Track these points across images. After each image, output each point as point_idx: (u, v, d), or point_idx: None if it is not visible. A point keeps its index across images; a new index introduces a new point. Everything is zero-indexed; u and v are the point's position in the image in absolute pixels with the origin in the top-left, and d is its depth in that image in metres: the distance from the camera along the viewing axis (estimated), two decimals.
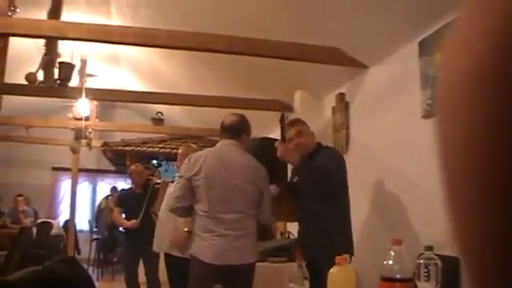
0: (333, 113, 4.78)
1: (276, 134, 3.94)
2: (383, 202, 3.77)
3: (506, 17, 0.30)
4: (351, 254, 3.09)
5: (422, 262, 1.76)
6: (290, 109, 5.53)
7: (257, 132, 6.76)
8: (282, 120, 3.50)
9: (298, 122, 3.60)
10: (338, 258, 2.03)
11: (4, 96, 4.68)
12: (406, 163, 3.46)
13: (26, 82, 5.34)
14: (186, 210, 3.19)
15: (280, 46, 3.88)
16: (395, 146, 3.63)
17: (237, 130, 3.27)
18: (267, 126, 5.81)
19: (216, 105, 6.06)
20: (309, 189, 3.35)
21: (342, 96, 4.64)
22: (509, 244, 0.31)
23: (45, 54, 5.26)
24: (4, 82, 4.72)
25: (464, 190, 0.33)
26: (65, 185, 10.93)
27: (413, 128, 3.37)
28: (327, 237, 3.22)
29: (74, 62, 5.89)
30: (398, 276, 1.76)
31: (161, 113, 9.37)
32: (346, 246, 3.03)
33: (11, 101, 5.87)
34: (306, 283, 2.13)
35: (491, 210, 0.31)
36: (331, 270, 2.03)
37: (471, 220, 0.33)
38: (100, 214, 9.84)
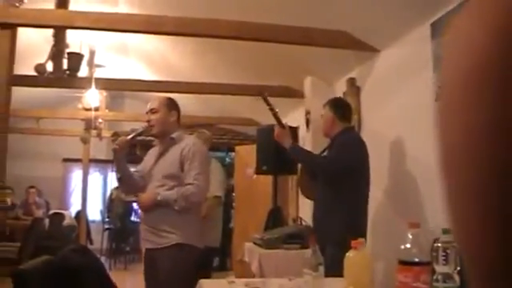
0: (344, 98, 4.73)
1: (287, 120, 3.90)
2: (397, 186, 3.74)
3: (509, 13, 0.30)
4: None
5: (439, 245, 1.72)
6: (299, 95, 5.48)
7: (266, 119, 6.73)
8: (267, 104, 3.51)
9: (325, 105, 3.60)
10: (353, 242, 2.01)
11: (13, 88, 4.67)
12: (420, 146, 3.42)
13: (35, 73, 5.35)
14: None
15: (288, 31, 3.83)
16: (408, 129, 3.59)
17: None
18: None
19: (225, 92, 6.03)
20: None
21: (352, 81, 4.59)
22: (510, 244, 0.30)
23: (53, 45, 5.26)
24: (13, 73, 4.72)
25: (466, 191, 0.33)
26: (76, 176, 10.97)
27: (426, 111, 3.32)
28: (328, 223, 3.21)
29: (82, 53, 5.88)
30: (416, 259, 1.73)
31: None
32: (346, 232, 2.79)
33: (21, 93, 5.87)
34: (321, 269, 2.11)
35: (492, 210, 0.31)
36: (348, 254, 2.01)
37: (472, 221, 0.33)
38: (111, 204, 9.88)
